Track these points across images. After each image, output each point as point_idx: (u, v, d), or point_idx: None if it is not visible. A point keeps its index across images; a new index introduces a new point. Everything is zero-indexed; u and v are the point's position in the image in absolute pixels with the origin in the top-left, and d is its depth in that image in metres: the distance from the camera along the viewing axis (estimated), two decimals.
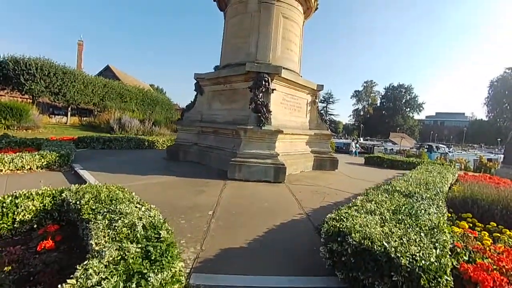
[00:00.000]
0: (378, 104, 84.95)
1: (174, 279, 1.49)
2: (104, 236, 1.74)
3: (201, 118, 7.81)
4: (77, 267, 1.39)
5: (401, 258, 1.67)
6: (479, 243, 2.39)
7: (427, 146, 26.64)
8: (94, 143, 9.05)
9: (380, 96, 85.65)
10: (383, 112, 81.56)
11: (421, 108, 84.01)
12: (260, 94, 5.84)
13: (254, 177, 5.40)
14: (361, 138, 57.33)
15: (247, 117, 5.87)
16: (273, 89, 6.09)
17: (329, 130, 8.37)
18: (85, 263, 1.42)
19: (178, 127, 7.76)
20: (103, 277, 1.31)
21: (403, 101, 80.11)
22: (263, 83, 5.85)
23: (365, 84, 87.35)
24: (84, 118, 30.22)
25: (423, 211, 2.65)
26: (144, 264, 1.45)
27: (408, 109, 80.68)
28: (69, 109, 30.15)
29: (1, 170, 4.96)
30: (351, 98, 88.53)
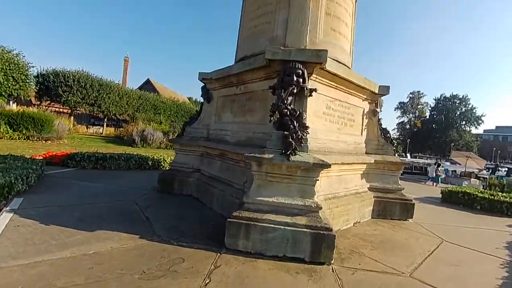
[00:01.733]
0: (428, 117, 76.50)
1: None
2: None
3: (207, 135, 5.57)
4: None
5: None
6: None
7: (507, 169, 21.26)
8: (85, 162, 7.33)
9: (430, 108, 77.27)
10: (433, 125, 73.10)
11: (480, 121, 73.92)
12: (289, 98, 3.39)
13: (273, 251, 2.89)
14: (408, 155, 50.81)
15: (268, 136, 3.45)
16: (311, 90, 3.59)
17: (396, 154, 5.53)
18: None
19: (176, 147, 5.61)
20: None
21: (458, 113, 71.10)
22: (294, 79, 3.40)
23: (411, 95, 79.59)
24: (120, 129, 30.36)
25: None
26: None
27: (464, 122, 71.35)
28: (105, 119, 30.81)
29: None
30: (395, 110, 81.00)
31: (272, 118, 3.39)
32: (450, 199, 7.43)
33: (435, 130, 71.19)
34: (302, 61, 3.49)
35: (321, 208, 2.99)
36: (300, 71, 3.47)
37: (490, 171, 22.07)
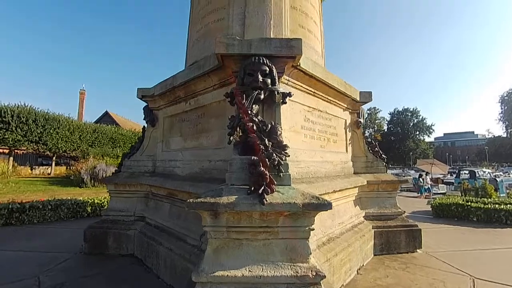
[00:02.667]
0: (386, 130, 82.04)
1: None
2: None
3: (153, 169, 4.22)
4: None
5: None
6: None
7: (468, 172, 22.21)
8: None
9: (386, 122, 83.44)
10: (391, 137, 78.39)
11: (431, 130, 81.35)
12: (255, 107, 2.31)
13: None
14: None
15: (228, 165, 2.25)
16: (285, 95, 2.55)
17: (387, 171, 4.66)
18: None
19: (110, 189, 4.14)
20: None
21: (411, 124, 77.44)
22: (260, 79, 2.36)
23: (368, 111, 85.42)
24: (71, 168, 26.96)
25: None
26: None
27: (418, 132, 77.75)
28: (54, 158, 27.37)
29: None
30: None
31: (231, 138, 2.24)
32: (443, 213, 6.73)
33: (394, 141, 76.02)
34: (269, 54, 2.47)
35: (324, 276, 1.80)
36: (267, 68, 2.44)
37: (454, 175, 22.86)
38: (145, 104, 4.42)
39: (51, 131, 24.07)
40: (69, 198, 6.83)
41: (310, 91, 3.29)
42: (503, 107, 70.50)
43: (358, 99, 4.27)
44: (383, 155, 4.57)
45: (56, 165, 28.40)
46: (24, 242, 4.44)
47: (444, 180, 21.98)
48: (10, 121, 21.20)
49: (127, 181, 4.03)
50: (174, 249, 2.90)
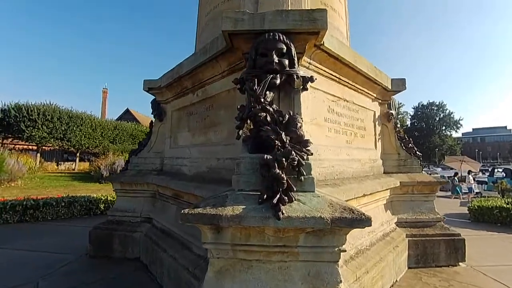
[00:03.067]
0: (409, 125, 78.32)
1: None
2: None
3: (160, 166, 3.92)
4: None
5: None
6: None
7: (503, 170, 20.41)
8: (7, 214, 5.41)
9: (410, 117, 79.51)
10: (415, 133, 74.58)
11: (458, 125, 76.64)
12: (269, 94, 1.88)
13: None
14: None
15: (235, 165, 1.84)
16: (306, 80, 2.10)
17: (423, 171, 4.07)
18: None
19: (116, 187, 3.89)
20: None
21: (437, 119, 73.17)
22: (275, 59, 1.92)
23: None
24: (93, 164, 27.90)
25: None
26: None
27: (444, 127, 73.37)
28: (78, 154, 28.43)
29: None
30: None
31: (240, 132, 1.83)
32: (483, 218, 5.97)
33: (418, 137, 72.18)
34: (286, 30, 2.02)
35: None
36: (284, 47, 1.99)
37: (487, 174, 21.12)
38: (153, 97, 4.13)
39: (74, 128, 24.91)
40: (83, 195, 6.77)
41: (335, 77, 2.80)
42: None
43: (389, 87, 3.70)
44: (417, 152, 3.98)
45: (80, 161, 29.51)
46: (33, 241, 4.33)
47: (476, 179, 20.36)
48: (37, 119, 22.14)
49: (133, 180, 3.75)
50: (178, 258, 2.55)
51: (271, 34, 1.97)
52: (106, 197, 6.60)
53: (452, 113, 73.35)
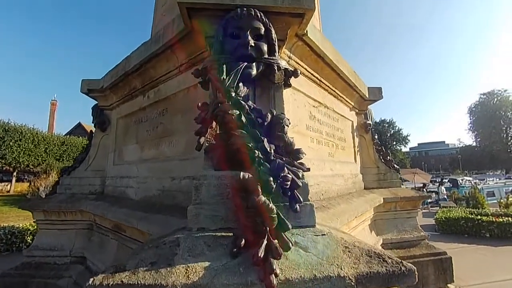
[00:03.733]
0: None
1: None
2: None
3: (101, 188, 3.09)
4: None
5: None
6: None
7: (448, 180, 22.32)
8: None
9: None
10: None
11: (407, 141, 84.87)
12: (242, 87, 1.34)
13: None
14: None
15: (193, 189, 1.23)
16: (290, 73, 1.62)
17: (402, 184, 3.84)
18: None
19: (37, 218, 2.95)
20: None
21: (388, 135, 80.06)
22: (250, 41, 1.42)
23: None
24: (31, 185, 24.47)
25: None
26: None
27: (395, 142, 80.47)
28: (14, 173, 24.71)
29: None
30: None
31: (202, 140, 1.25)
32: (450, 229, 6.01)
33: None
34: (263, 7, 1.55)
35: None
36: (261, 27, 1.51)
37: (437, 184, 22.95)
38: (94, 104, 3.34)
39: (11, 143, 21.60)
40: (4, 225, 5.40)
41: (316, 78, 2.40)
42: (471, 117, 75.02)
43: (367, 95, 3.45)
44: (395, 165, 3.74)
45: (18, 181, 25.68)
46: None
47: (427, 190, 21.95)
48: None
49: (62, 207, 2.87)
50: None
51: (245, 8, 1.48)
52: (36, 227, 5.33)
53: (401, 129, 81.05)
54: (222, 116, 1.17)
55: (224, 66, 1.39)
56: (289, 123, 1.30)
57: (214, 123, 1.33)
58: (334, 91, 2.78)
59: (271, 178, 0.92)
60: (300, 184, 1.01)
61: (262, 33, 1.51)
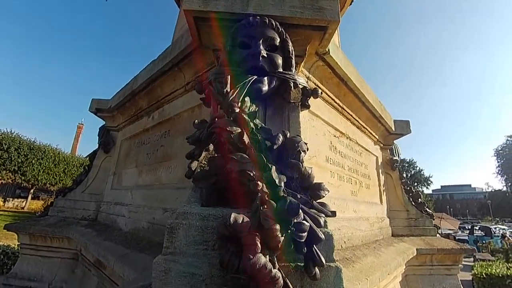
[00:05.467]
0: None
1: None
2: None
3: (95, 215, 2.82)
4: None
5: None
6: None
7: (479, 228, 20.23)
8: None
9: None
10: None
11: (429, 182, 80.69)
12: (249, 104, 1.09)
13: None
14: None
15: (166, 233, 0.92)
16: (309, 93, 1.37)
17: (437, 232, 3.28)
18: None
19: (23, 241, 2.69)
20: None
21: (408, 175, 76.52)
22: (263, 53, 1.20)
23: None
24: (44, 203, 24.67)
25: None
26: None
27: (416, 183, 76.52)
28: (31, 191, 25.32)
29: None
30: None
31: (194, 165, 0.98)
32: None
33: None
34: (280, 17, 1.35)
35: None
36: (277, 36, 1.30)
37: (468, 232, 20.86)
38: (99, 128, 3.24)
39: (33, 161, 22.45)
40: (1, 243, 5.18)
41: (338, 105, 2.13)
42: (499, 160, 70.77)
43: (393, 129, 3.11)
44: (428, 209, 3.24)
45: (33, 198, 26.24)
46: None
47: (456, 238, 19.88)
48: None
49: (48, 231, 2.60)
50: None
51: (257, 16, 1.28)
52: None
53: (422, 170, 77.41)
54: (218, 134, 0.90)
55: (229, 77, 1.15)
56: (307, 149, 1.00)
57: (209, 143, 1.06)
58: (358, 121, 2.48)
59: (277, 227, 0.61)
60: (322, 236, 0.68)
61: (277, 43, 1.29)
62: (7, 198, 25.29)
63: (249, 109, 1.10)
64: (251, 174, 0.79)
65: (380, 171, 3.06)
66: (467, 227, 23.98)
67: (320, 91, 1.45)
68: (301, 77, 1.40)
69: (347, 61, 1.97)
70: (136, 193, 2.20)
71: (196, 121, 1.14)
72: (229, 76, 1.15)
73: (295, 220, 0.64)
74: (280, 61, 1.28)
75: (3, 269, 4.71)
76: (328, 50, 1.66)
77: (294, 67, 1.34)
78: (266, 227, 0.59)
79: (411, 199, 3.17)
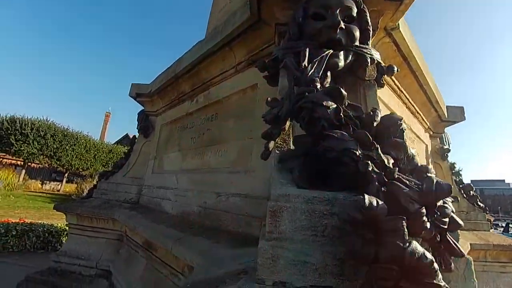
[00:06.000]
0: None
1: None
2: None
3: (137, 198, 2.89)
4: None
5: None
6: None
7: None
8: None
9: None
10: None
11: (459, 176, 76.67)
12: (327, 80, 0.98)
13: None
14: None
15: (269, 216, 0.87)
16: (384, 70, 1.24)
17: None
18: None
19: (70, 221, 2.81)
20: None
21: None
22: (341, 25, 1.07)
23: None
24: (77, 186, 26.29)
25: None
26: None
27: None
28: (66, 174, 27.02)
29: None
30: None
31: (271, 145, 0.90)
32: None
33: None
34: None
35: None
36: (355, 7, 1.16)
37: (502, 229, 19.67)
38: (141, 108, 3.27)
39: (67, 147, 23.84)
40: (44, 222, 5.54)
41: (397, 87, 1.96)
42: None
43: (445, 116, 2.86)
44: (480, 203, 3.00)
45: (68, 182, 27.97)
46: None
47: None
48: (29, 133, 21.20)
49: (95, 213, 2.69)
50: None
51: None
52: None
53: (453, 163, 73.73)
54: (311, 109, 0.80)
55: (307, 50, 1.05)
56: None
57: (287, 124, 0.97)
58: (413, 106, 2.29)
59: (424, 210, 0.51)
60: (461, 222, 0.58)
61: (354, 14, 1.16)
62: (45, 181, 27.20)
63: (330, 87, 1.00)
64: (357, 154, 0.69)
65: (430, 160, 2.85)
66: (500, 224, 22.61)
67: (395, 68, 1.31)
68: (377, 52, 1.26)
69: (412, 38, 1.78)
70: (182, 177, 2.19)
71: (268, 98, 1.05)
72: (307, 48, 1.05)
73: (439, 204, 0.54)
74: (357, 33, 1.15)
75: (48, 246, 5.05)
76: (398, 25, 1.50)
77: (370, 41, 1.21)
78: (411, 211, 0.50)
79: (462, 191, 2.94)
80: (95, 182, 11.59)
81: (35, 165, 27.03)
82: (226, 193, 1.57)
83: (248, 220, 1.32)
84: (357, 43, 1.17)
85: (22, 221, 5.43)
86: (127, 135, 49.74)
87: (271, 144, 0.97)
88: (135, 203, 2.86)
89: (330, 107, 0.79)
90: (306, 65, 1.03)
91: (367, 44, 1.20)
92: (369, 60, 1.18)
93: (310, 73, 1.00)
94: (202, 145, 2.08)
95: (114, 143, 36.05)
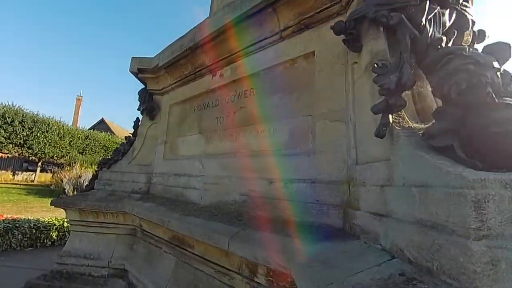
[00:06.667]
0: None
1: None
2: None
3: (146, 187, 2.61)
4: None
5: None
6: None
7: None
8: None
9: None
10: None
11: None
12: (438, 36, 0.79)
13: None
14: None
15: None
16: (477, 35, 1.06)
17: None
18: None
19: (71, 217, 2.49)
20: None
21: None
22: None
23: None
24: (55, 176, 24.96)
25: None
26: None
27: None
28: (39, 164, 25.39)
29: None
30: None
31: (389, 119, 0.71)
32: None
33: None
34: None
35: None
36: None
37: None
38: (142, 87, 2.91)
39: (38, 134, 22.23)
40: (29, 218, 5.09)
41: None
42: None
43: None
44: None
45: (41, 171, 26.34)
46: None
47: None
48: None
49: (102, 206, 2.40)
50: None
51: None
52: (61, 222, 4.97)
53: None
54: (477, 78, 0.61)
55: (427, 4, 0.84)
56: None
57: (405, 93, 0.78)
58: None
59: None
60: None
61: None
62: (16, 172, 25.42)
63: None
64: None
65: None
66: None
67: (487, 34, 1.14)
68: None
69: None
70: (209, 163, 1.95)
71: (376, 63, 0.84)
72: (427, 2, 0.84)
73: None
74: None
75: (36, 243, 4.66)
76: None
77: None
78: None
79: None
80: (75, 171, 10.89)
81: (3, 155, 25.13)
82: (283, 179, 1.37)
83: (321, 209, 1.15)
84: (461, 0, 0.98)
85: (1, 217, 4.96)
86: (103, 120, 47.21)
87: (390, 118, 0.77)
88: (145, 193, 2.59)
89: (492, 68, 0.61)
90: (424, 23, 0.83)
91: (468, 3, 1.01)
92: (471, 23, 1.00)
93: (432, 33, 0.80)
94: (233, 126, 1.84)
95: (89, 129, 34.15)
